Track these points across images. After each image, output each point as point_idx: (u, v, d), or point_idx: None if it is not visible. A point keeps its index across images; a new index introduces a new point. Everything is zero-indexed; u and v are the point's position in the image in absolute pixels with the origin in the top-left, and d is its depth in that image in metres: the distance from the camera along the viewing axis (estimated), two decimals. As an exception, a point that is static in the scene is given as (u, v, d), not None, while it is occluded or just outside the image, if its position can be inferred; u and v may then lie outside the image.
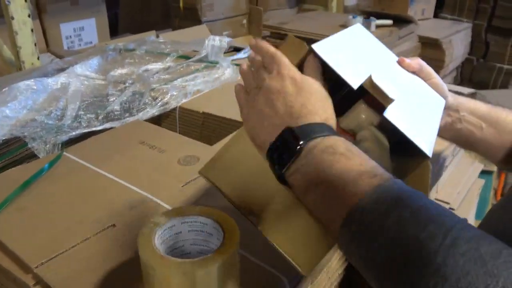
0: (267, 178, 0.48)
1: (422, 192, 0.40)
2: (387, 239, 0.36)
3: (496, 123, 0.64)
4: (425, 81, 0.61)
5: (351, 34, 0.60)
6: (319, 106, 0.47)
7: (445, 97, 0.62)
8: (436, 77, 0.62)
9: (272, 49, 0.51)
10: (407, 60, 0.61)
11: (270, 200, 0.52)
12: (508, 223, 0.54)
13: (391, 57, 0.62)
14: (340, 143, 0.44)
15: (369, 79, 0.49)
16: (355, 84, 0.49)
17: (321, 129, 0.45)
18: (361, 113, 0.51)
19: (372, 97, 0.50)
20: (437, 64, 2.48)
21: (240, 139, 0.57)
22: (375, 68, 0.54)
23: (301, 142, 0.44)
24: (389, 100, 0.49)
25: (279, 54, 0.50)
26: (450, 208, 0.95)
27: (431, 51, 2.46)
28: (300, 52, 0.50)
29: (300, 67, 0.51)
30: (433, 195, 0.90)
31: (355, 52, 0.57)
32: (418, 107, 0.56)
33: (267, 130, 0.47)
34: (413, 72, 0.61)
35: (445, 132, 0.65)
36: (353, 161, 0.42)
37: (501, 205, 0.59)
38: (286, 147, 0.45)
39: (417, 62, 0.61)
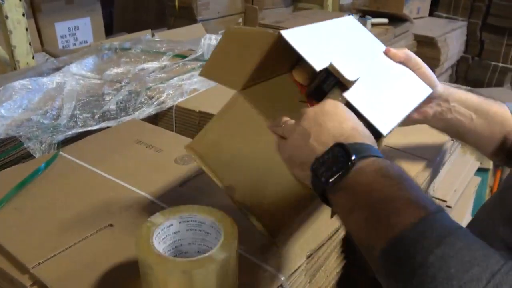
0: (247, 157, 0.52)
1: (468, 229, 0.38)
2: (428, 276, 0.35)
3: (486, 114, 0.65)
4: (413, 70, 0.63)
5: (338, 24, 0.62)
6: (362, 129, 0.47)
7: (433, 87, 0.63)
8: (424, 67, 0.63)
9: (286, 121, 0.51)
10: (393, 50, 0.63)
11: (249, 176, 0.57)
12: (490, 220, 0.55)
13: (378, 48, 0.64)
14: (392, 166, 0.43)
15: (331, 63, 0.52)
16: (318, 66, 0.50)
17: (372, 149, 0.44)
18: (335, 98, 0.52)
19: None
20: (433, 63, 2.49)
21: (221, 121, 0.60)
22: (348, 55, 0.57)
23: (353, 157, 0.42)
24: (349, 82, 0.51)
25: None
26: (447, 206, 0.95)
27: (426, 49, 2.46)
28: (268, 40, 0.51)
29: (271, 55, 0.52)
30: (430, 193, 0.91)
31: (333, 40, 0.58)
32: (390, 92, 0.58)
33: (311, 146, 0.46)
34: (400, 62, 0.62)
35: (435, 122, 0.66)
36: (402, 188, 0.40)
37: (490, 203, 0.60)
38: (336, 161, 0.43)
39: (404, 52, 0.63)
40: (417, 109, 0.63)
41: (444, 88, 0.65)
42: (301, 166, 0.47)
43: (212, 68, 0.59)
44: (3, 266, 0.58)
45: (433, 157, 0.83)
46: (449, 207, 0.94)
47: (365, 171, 0.42)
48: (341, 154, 0.43)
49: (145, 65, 1.18)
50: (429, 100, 0.64)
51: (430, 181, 0.86)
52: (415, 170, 0.78)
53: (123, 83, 1.07)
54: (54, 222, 0.65)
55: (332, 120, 0.47)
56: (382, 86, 0.58)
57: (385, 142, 0.81)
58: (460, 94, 0.66)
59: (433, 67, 2.50)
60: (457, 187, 1.00)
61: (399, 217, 0.38)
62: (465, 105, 0.65)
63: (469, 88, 1.15)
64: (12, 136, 0.87)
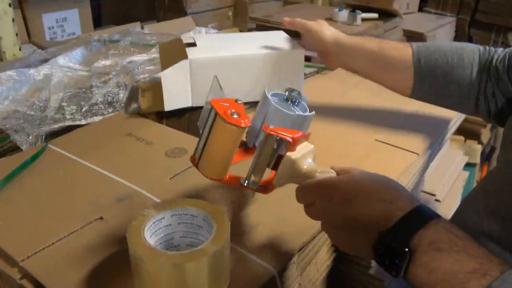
0: None
1: None
2: None
3: (382, 56, 0.78)
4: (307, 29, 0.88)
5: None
6: (384, 192, 0.44)
7: (323, 36, 0.84)
8: (311, 24, 0.87)
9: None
10: (286, 19, 0.91)
11: None
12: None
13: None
14: (441, 233, 0.40)
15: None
16: None
17: (410, 221, 0.42)
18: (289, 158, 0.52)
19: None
20: (422, 58, 2.49)
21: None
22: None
23: (406, 249, 0.40)
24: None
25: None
26: (436, 200, 0.96)
27: (415, 45, 2.47)
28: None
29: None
30: (421, 187, 0.91)
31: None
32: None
33: (360, 242, 0.45)
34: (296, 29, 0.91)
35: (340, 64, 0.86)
36: (459, 257, 0.38)
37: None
38: (393, 253, 0.41)
39: (291, 20, 0.90)
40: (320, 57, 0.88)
41: (335, 40, 0.83)
42: (360, 252, 0.47)
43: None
44: (-8, 259, 0.57)
45: (424, 151, 0.83)
46: (438, 200, 0.95)
47: (417, 254, 0.40)
48: (393, 245, 0.41)
49: (134, 58, 1.17)
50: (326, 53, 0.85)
51: (420, 175, 0.87)
52: (406, 164, 0.78)
53: (111, 76, 1.06)
54: (43, 215, 0.64)
55: (357, 206, 0.44)
56: None
57: (377, 137, 0.82)
58: (356, 44, 0.81)
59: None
60: (446, 182, 1.01)
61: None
62: (358, 45, 0.81)
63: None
64: (-1, 128, 0.86)
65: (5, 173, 0.72)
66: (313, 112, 0.58)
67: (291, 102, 0.59)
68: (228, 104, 0.51)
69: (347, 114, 0.96)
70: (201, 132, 0.54)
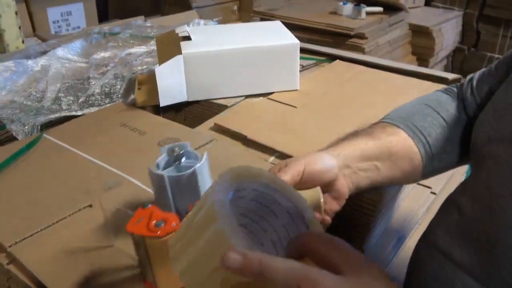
0: None
1: None
2: None
3: (389, 155, 0.59)
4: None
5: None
6: None
7: (331, 170, 0.55)
8: (316, 179, 0.54)
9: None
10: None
11: None
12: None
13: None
14: None
15: None
16: None
17: None
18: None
19: None
20: (427, 52, 2.47)
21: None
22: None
23: None
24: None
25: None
26: (432, 193, 0.95)
27: (421, 39, 2.45)
28: None
29: None
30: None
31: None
32: None
33: None
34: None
35: (351, 191, 0.58)
36: None
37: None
38: None
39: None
40: (331, 198, 0.56)
41: (337, 158, 0.56)
42: None
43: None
44: (-19, 245, 0.58)
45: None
46: (434, 193, 0.94)
47: None
48: None
49: (133, 50, 1.17)
50: (333, 180, 0.55)
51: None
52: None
53: (109, 67, 1.06)
54: (34, 202, 0.65)
55: None
56: None
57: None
58: (355, 151, 0.58)
59: (427, 57, 2.49)
60: (443, 174, 1.00)
61: None
62: (364, 158, 0.58)
63: (458, 76, 1.15)
64: (-5, 118, 0.87)
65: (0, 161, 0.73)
66: (205, 156, 0.54)
67: (178, 161, 0.55)
68: (142, 218, 0.46)
69: (341, 105, 0.95)
70: (138, 261, 0.49)
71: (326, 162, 0.55)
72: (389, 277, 0.35)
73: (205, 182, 0.54)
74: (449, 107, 0.65)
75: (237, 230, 0.33)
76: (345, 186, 0.57)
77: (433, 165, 0.64)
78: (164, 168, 0.55)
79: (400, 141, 0.61)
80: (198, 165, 0.52)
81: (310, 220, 0.41)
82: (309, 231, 0.40)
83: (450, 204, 0.57)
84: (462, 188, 0.57)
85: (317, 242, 0.35)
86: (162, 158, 0.55)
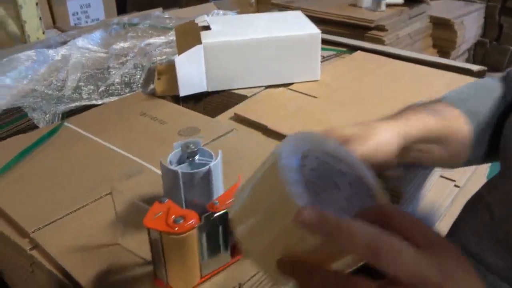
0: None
1: None
2: None
3: (448, 141, 0.57)
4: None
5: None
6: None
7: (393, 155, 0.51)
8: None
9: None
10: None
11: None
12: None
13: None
14: None
15: None
16: None
17: None
18: None
19: None
20: (449, 45, 2.43)
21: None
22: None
23: None
24: None
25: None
26: (456, 186, 0.93)
27: (442, 31, 2.40)
28: None
29: None
30: (438, 171, 0.89)
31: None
32: None
33: None
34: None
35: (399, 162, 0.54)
36: None
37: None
38: None
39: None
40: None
41: (398, 138, 0.52)
42: None
43: None
44: (5, 230, 0.59)
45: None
46: (458, 186, 0.92)
47: None
48: None
49: (152, 40, 1.17)
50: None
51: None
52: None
53: (128, 57, 1.06)
54: (55, 189, 0.65)
55: None
56: None
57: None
58: (419, 131, 0.54)
59: (449, 49, 2.44)
60: (467, 167, 0.98)
61: None
62: (425, 140, 0.55)
63: (482, 67, 1.12)
64: (17, 107, 0.87)
65: (21, 148, 0.73)
66: (219, 155, 0.53)
67: (192, 158, 0.54)
68: (159, 213, 0.45)
69: (363, 96, 0.94)
70: (152, 257, 0.48)
71: (386, 148, 0.51)
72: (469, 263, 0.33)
73: (218, 181, 0.53)
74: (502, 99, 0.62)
75: (306, 197, 0.31)
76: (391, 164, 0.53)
77: (474, 154, 0.61)
78: (178, 164, 0.54)
79: (459, 125, 0.59)
80: (213, 162, 0.52)
81: (378, 193, 0.38)
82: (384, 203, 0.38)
83: (478, 204, 0.55)
84: (490, 187, 0.56)
85: (398, 215, 0.33)
86: (175, 154, 0.55)
